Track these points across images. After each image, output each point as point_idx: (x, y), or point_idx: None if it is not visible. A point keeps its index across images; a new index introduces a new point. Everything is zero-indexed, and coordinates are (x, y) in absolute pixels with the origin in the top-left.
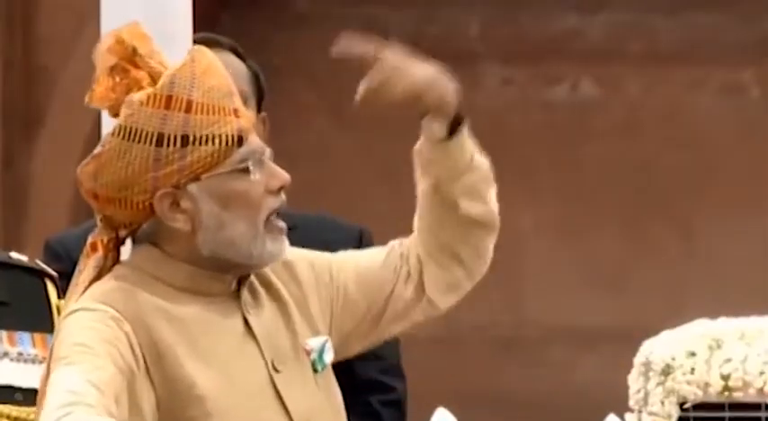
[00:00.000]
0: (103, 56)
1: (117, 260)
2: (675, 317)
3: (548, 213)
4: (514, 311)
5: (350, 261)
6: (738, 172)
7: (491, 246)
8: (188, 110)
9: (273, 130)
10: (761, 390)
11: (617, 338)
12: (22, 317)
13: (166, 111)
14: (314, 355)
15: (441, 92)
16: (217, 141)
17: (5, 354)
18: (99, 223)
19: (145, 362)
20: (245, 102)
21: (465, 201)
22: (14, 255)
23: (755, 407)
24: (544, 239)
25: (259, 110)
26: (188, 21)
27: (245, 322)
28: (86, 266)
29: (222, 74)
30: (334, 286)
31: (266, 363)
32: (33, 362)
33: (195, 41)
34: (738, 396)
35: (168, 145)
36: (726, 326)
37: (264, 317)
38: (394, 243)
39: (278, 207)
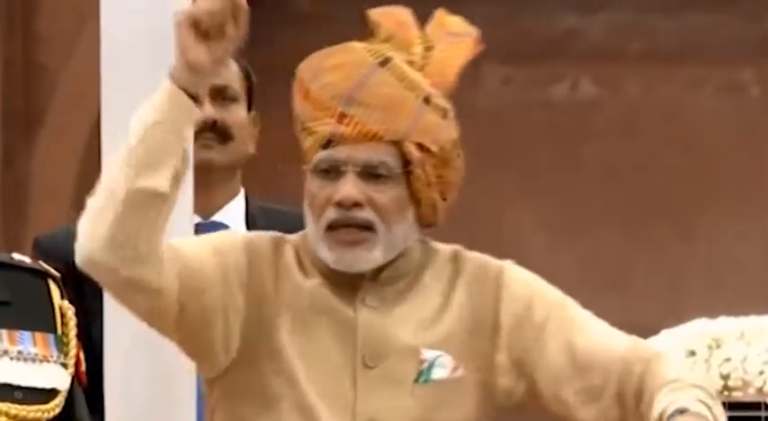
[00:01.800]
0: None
1: None
2: (675, 316)
3: (547, 213)
4: None
5: (569, 323)
6: (738, 172)
7: None
8: (305, 98)
9: (273, 130)
10: (760, 390)
11: None
12: (22, 317)
13: (297, 93)
14: (424, 365)
15: None
16: (313, 137)
17: (5, 353)
18: None
19: (248, 292)
20: (234, 99)
21: None
22: (16, 256)
23: (755, 406)
24: (544, 239)
25: (249, 108)
26: None
27: (356, 313)
28: None
29: (352, 76)
30: (539, 341)
31: (355, 356)
32: (34, 361)
33: None
34: (738, 395)
35: (298, 123)
36: (725, 326)
37: (395, 314)
38: (621, 348)
39: (336, 219)
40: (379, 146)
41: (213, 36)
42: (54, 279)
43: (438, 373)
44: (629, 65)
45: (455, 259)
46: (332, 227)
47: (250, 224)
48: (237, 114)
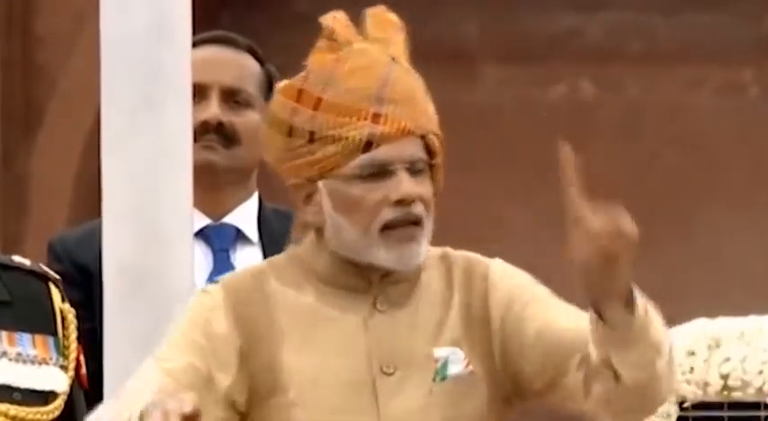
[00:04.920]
0: (322, 32)
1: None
2: (675, 316)
3: (547, 213)
4: None
5: (542, 308)
6: (738, 171)
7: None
8: (316, 107)
9: None
10: (760, 389)
11: None
12: (22, 319)
13: (296, 104)
14: (438, 364)
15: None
16: (341, 143)
17: (4, 354)
18: None
19: (240, 348)
20: (247, 103)
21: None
22: (17, 258)
23: (755, 406)
24: (544, 239)
25: None
26: (188, 21)
27: (366, 320)
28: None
29: (375, 76)
30: (517, 328)
31: (371, 364)
32: (33, 362)
33: (210, 40)
34: (737, 395)
35: (297, 137)
36: (725, 326)
37: (402, 317)
38: (583, 324)
39: (396, 219)
40: (412, 141)
41: None
42: (55, 282)
43: (453, 369)
44: (628, 65)
45: (445, 259)
46: (387, 226)
47: (262, 226)
48: (248, 119)
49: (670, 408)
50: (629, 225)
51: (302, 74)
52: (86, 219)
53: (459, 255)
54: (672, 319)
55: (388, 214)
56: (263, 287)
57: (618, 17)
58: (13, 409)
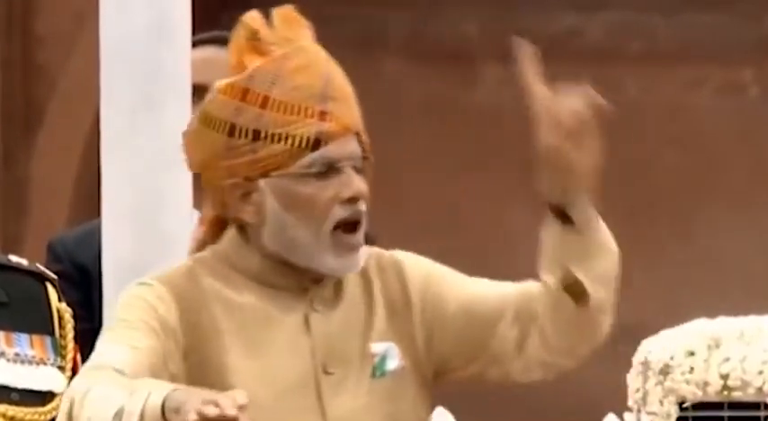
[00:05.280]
0: (237, 32)
1: (219, 237)
2: (674, 316)
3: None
4: None
5: (460, 285)
6: (738, 171)
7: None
8: (263, 105)
9: None
10: (760, 389)
11: (616, 338)
12: (20, 319)
13: (241, 102)
14: (375, 360)
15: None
16: (289, 141)
17: (2, 355)
18: (206, 199)
19: (183, 342)
20: None
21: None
22: (14, 258)
23: (755, 406)
24: None
25: None
26: (188, 21)
27: (306, 319)
28: (192, 238)
29: (321, 75)
30: (440, 308)
31: (315, 364)
32: (30, 363)
33: (210, 40)
34: (737, 395)
35: (240, 136)
36: (725, 326)
37: (334, 317)
38: (508, 286)
39: (347, 217)
40: (353, 138)
41: None
42: (51, 281)
43: (391, 364)
44: (628, 65)
45: None
46: (338, 226)
47: None
48: None
49: (670, 408)
50: (588, 103)
51: (245, 73)
52: (86, 219)
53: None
54: (672, 319)
55: (339, 212)
56: (198, 285)
57: (618, 17)
58: (11, 410)
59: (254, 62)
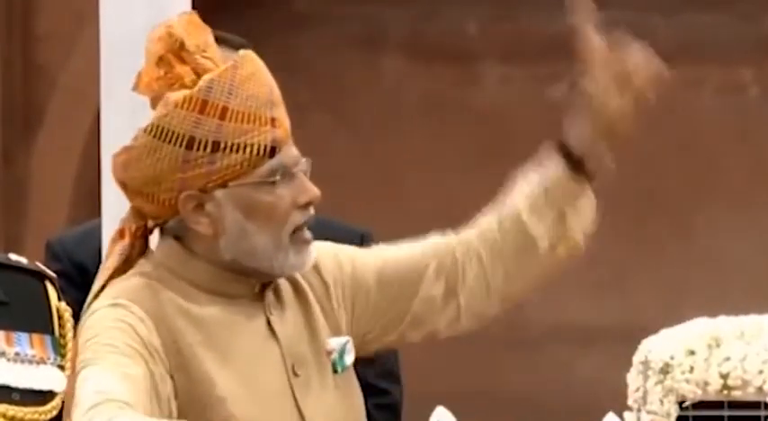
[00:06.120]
0: (153, 44)
1: (144, 249)
2: (674, 315)
3: None
4: (514, 310)
5: (375, 255)
6: (737, 171)
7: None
8: (222, 116)
9: None
10: (760, 389)
11: (616, 337)
12: (20, 318)
13: (200, 115)
14: (335, 356)
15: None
16: (248, 151)
17: (2, 354)
18: (129, 210)
19: (168, 362)
20: None
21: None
22: (13, 256)
23: (755, 405)
24: None
25: None
26: None
27: (268, 324)
28: (112, 253)
29: (265, 82)
30: (357, 282)
31: (286, 367)
32: (31, 362)
33: None
34: (737, 394)
35: (198, 149)
36: (725, 325)
37: (287, 320)
38: (431, 240)
39: (304, 222)
40: (292, 142)
41: None
42: (51, 280)
43: (349, 358)
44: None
45: None
46: (296, 230)
47: None
48: None
49: (670, 408)
50: (656, 64)
51: (200, 85)
52: (86, 219)
53: None
54: (672, 319)
55: (299, 217)
56: (158, 298)
57: (618, 17)
58: (12, 410)
59: (188, 73)
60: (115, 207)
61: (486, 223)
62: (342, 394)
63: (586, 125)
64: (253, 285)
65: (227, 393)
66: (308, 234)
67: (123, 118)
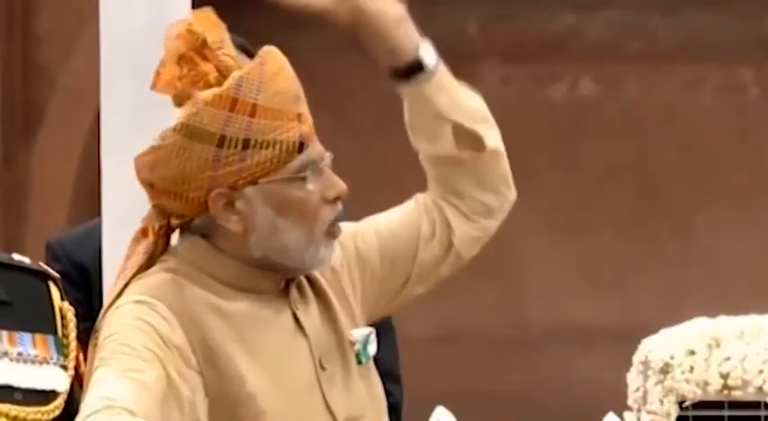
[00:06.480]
0: (173, 43)
1: (166, 247)
2: (674, 315)
3: (547, 212)
4: (514, 310)
5: (373, 230)
6: (737, 171)
7: (501, 171)
8: (252, 114)
9: None
10: (760, 389)
11: (616, 337)
12: (22, 318)
13: (230, 113)
14: (358, 347)
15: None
16: (278, 147)
17: (5, 354)
18: (152, 209)
19: (196, 359)
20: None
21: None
22: (16, 256)
23: (755, 405)
24: (543, 238)
25: None
26: None
27: (295, 319)
28: (135, 252)
29: (291, 77)
30: (361, 259)
31: (314, 361)
32: (33, 362)
33: None
34: (738, 394)
35: (229, 146)
36: (725, 325)
37: (312, 314)
38: (414, 200)
39: (334, 217)
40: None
41: None
42: (54, 280)
43: (372, 348)
44: (628, 64)
45: None
46: (328, 228)
47: None
48: None
49: (670, 408)
50: None
51: (230, 83)
52: (86, 219)
53: None
54: (672, 319)
55: (328, 212)
56: (184, 294)
57: (618, 17)
58: (14, 410)
59: (212, 70)
60: (115, 207)
61: (429, 176)
62: (366, 385)
63: (375, 41)
64: (278, 281)
65: (257, 389)
66: (339, 228)
67: (123, 118)
